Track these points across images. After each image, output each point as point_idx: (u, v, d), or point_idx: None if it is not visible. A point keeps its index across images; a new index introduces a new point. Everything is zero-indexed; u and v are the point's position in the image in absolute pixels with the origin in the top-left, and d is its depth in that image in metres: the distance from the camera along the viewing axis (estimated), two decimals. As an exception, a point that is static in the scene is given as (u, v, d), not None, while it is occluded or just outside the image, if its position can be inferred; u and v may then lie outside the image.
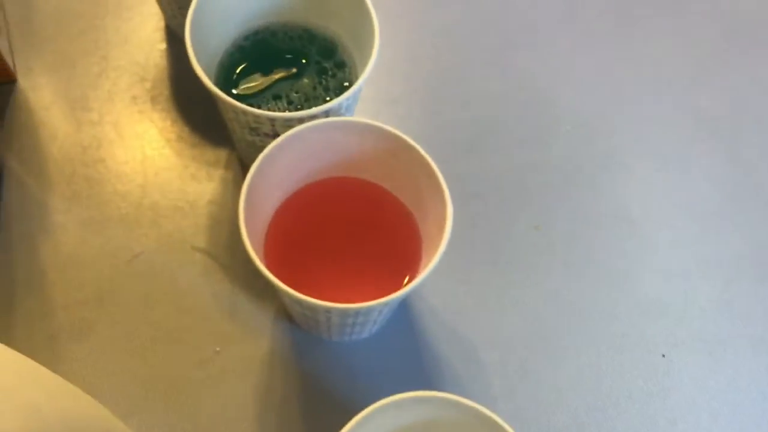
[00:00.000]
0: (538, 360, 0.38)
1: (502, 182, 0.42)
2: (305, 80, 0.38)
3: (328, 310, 0.30)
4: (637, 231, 0.41)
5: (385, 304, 0.30)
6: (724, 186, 0.43)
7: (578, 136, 0.44)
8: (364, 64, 0.35)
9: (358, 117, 0.34)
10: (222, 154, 0.42)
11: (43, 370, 0.21)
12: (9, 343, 0.23)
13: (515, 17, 0.47)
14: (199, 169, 0.41)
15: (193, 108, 0.43)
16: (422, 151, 0.33)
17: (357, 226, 0.36)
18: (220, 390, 0.36)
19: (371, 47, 0.35)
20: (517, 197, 0.42)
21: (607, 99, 0.45)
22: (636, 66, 0.46)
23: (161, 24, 0.45)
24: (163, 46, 0.44)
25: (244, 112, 0.33)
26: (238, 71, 0.38)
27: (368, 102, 0.43)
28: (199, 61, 0.34)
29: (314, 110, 0.34)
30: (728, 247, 0.41)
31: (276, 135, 0.34)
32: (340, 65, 0.39)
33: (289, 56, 0.39)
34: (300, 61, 0.39)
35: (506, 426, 0.28)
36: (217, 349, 0.37)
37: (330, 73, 0.38)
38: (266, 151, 0.33)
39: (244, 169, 0.41)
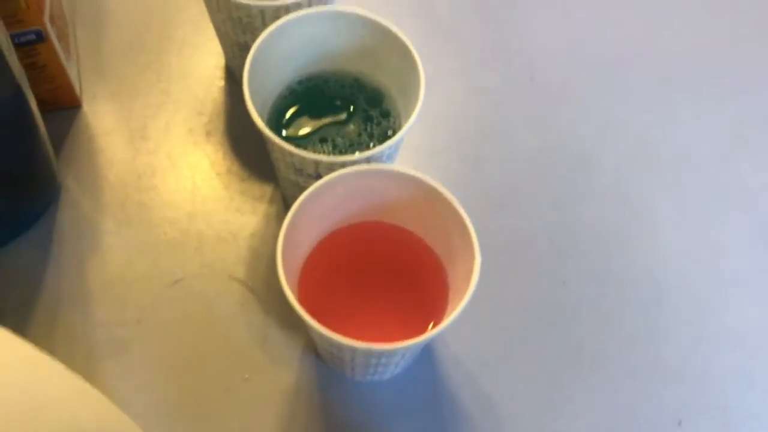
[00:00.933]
0: (555, 417, 0.38)
1: (534, 238, 0.43)
2: (351, 126, 0.40)
3: (353, 349, 0.32)
4: (663, 295, 0.42)
5: (408, 347, 0.31)
6: (754, 257, 0.43)
7: (612, 197, 0.45)
8: (408, 115, 0.37)
9: (399, 165, 0.35)
10: (267, 189, 0.44)
11: (86, 385, 0.23)
12: (50, 354, 0.24)
13: (558, 74, 0.48)
14: (245, 202, 0.43)
15: (244, 144, 0.45)
16: (457, 204, 0.34)
17: (388, 270, 0.37)
18: (245, 416, 0.38)
19: (416, 100, 0.37)
20: (546, 253, 0.43)
21: (645, 163, 0.46)
22: (678, 132, 0.47)
23: (221, 63, 0.47)
24: (222, 83, 0.47)
25: (291, 154, 0.35)
26: (289, 114, 0.40)
27: (410, 151, 0.44)
28: (253, 101, 0.36)
29: (357, 156, 0.35)
30: (753, 319, 0.41)
31: (319, 176, 0.36)
32: (386, 114, 0.40)
33: (338, 103, 0.41)
34: (348, 108, 0.41)
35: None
36: (246, 376, 0.39)
37: (375, 121, 0.40)
38: (308, 191, 0.34)
39: (287, 206, 0.43)
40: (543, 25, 0.50)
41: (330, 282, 0.37)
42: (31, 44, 0.40)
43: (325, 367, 0.39)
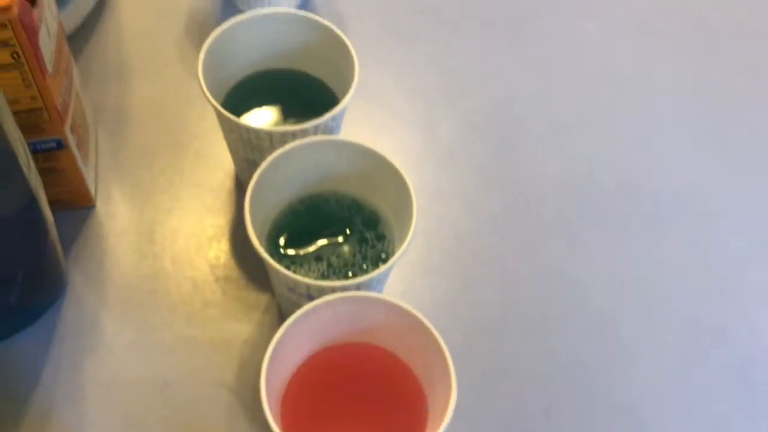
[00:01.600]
0: None
1: (516, 365, 0.44)
2: (347, 247, 0.42)
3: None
4: (644, 430, 0.42)
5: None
6: (734, 399, 0.44)
7: (598, 328, 0.46)
8: (402, 240, 0.39)
9: (387, 293, 0.37)
10: (263, 298, 0.45)
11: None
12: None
13: (553, 204, 0.50)
14: (241, 309, 0.45)
15: (246, 252, 0.47)
16: (438, 336, 0.35)
17: (370, 393, 0.38)
18: None
19: (409, 227, 0.39)
20: (529, 381, 0.44)
21: (633, 297, 0.47)
22: (664, 268, 0.48)
23: (232, 173, 0.50)
24: (230, 193, 0.49)
25: (285, 275, 0.37)
26: (288, 230, 0.42)
27: (403, 268, 0.46)
28: (256, 217, 0.39)
29: (348, 282, 0.37)
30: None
31: (311, 297, 0.37)
32: (381, 238, 0.42)
33: (336, 223, 0.43)
34: (345, 230, 0.43)
35: None
36: (226, 485, 0.40)
37: (370, 243, 0.42)
38: (296, 314, 0.36)
39: (282, 315, 0.44)
40: (542, 156, 0.52)
41: (313, 402, 0.38)
42: (51, 151, 0.42)
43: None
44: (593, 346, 0.45)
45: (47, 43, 0.39)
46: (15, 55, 0.37)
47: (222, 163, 0.50)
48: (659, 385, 0.44)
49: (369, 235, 0.42)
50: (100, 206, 0.48)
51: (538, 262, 0.48)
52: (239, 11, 0.54)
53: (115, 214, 0.48)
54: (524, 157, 0.52)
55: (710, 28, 0.60)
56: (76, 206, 0.47)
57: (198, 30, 0.55)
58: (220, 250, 0.47)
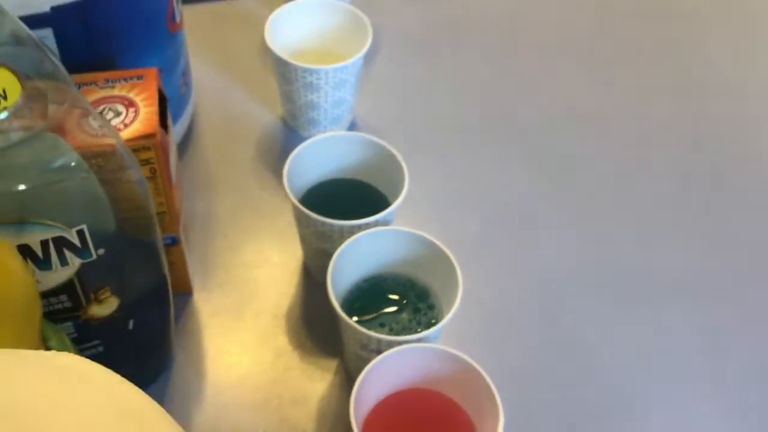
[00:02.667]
0: None
1: (544, 416, 0.53)
2: (404, 315, 0.52)
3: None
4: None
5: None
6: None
7: (605, 402, 0.55)
8: (450, 309, 0.49)
9: (442, 345, 0.47)
10: (333, 363, 0.55)
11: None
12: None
13: (563, 284, 0.60)
14: (315, 371, 0.55)
15: (316, 327, 0.57)
16: (486, 376, 0.45)
17: (429, 424, 0.48)
18: None
19: (455, 299, 0.49)
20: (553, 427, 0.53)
21: (640, 371, 0.57)
22: (674, 346, 0.58)
23: (300, 263, 0.60)
24: (299, 280, 0.59)
25: (360, 332, 0.47)
26: (357, 304, 0.53)
27: (449, 334, 0.56)
28: (333, 294, 0.49)
29: (410, 337, 0.47)
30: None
31: (380, 352, 0.47)
32: (431, 307, 0.53)
33: (394, 297, 0.53)
34: (402, 301, 0.53)
35: None
36: None
37: (422, 312, 0.52)
38: (372, 363, 0.46)
39: (350, 377, 0.54)
40: (555, 244, 0.63)
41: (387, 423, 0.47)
42: (168, 246, 0.53)
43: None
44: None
45: (173, 161, 0.51)
46: (152, 171, 0.49)
47: (293, 255, 0.61)
48: None
49: (421, 305, 0.53)
50: (196, 293, 0.58)
51: (556, 334, 0.58)
52: (301, 137, 0.66)
53: (208, 299, 0.58)
54: (539, 248, 0.63)
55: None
56: (177, 292, 0.57)
57: (268, 152, 0.67)
58: (295, 326, 0.57)
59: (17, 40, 0.37)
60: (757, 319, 0.59)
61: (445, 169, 0.67)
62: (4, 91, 0.36)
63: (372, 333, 0.47)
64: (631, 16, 0.81)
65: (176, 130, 0.64)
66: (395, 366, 0.47)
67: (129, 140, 0.47)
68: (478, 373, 0.46)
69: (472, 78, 0.74)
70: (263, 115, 0.70)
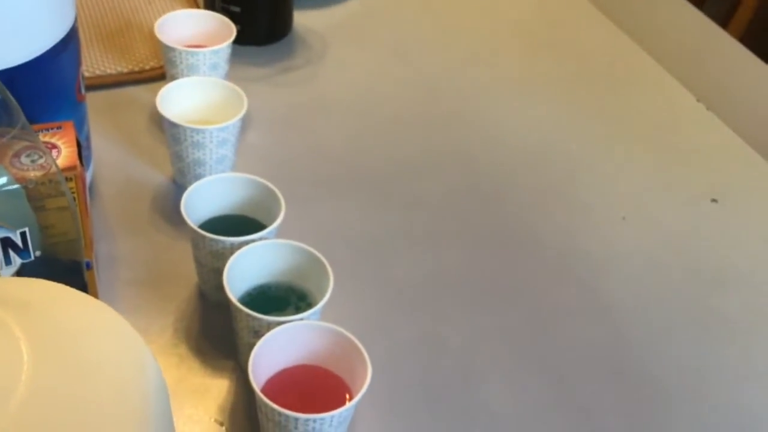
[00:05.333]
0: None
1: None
2: (287, 312, 0.64)
3: (296, 419, 0.53)
4: None
5: (333, 415, 0.53)
6: None
7: (454, 373, 0.68)
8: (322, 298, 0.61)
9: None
10: (230, 363, 0.65)
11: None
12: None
13: (415, 289, 0.74)
14: (214, 371, 0.64)
15: (214, 337, 0.67)
16: (358, 344, 0.57)
17: (316, 388, 0.59)
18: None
19: (328, 288, 0.61)
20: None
21: (474, 352, 0.70)
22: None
23: (197, 289, 0.71)
24: (196, 303, 0.70)
25: (253, 317, 0.58)
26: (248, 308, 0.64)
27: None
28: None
29: (293, 317, 0.59)
30: None
31: (269, 335, 0.58)
32: (309, 305, 0.64)
33: (278, 300, 0.65)
34: (285, 303, 0.65)
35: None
36: (220, 478, 0.57)
37: (303, 309, 0.64)
38: (263, 339, 0.57)
39: (244, 372, 0.64)
40: (405, 260, 0.77)
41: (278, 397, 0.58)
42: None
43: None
44: None
45: (87, 197, 0.62)
46: (73, 200, 0.59)
47: (190, 282, 0.71)
48: None
49: (302, 304, 0.65)
50: (105, 319, 0.67)
51: (413, 324, 0.71)
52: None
53: (116, 323, 0.67)
54: (392, 263, 0.77)
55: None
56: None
57: (161, 205, 0.78)
58: (196, 337, 0.67)
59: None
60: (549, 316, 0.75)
61: (312, 210, 0.81)
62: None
63: (262, 316, 0.58)
64: (452, 91, 1.00)
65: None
66: (282, 342, 0.58)
67: (53, 173, 0.57)
68: (350, 339, 0.58)
69: (329, 141, 0.89)
70: (155, 176, 0.81)
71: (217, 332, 0.67)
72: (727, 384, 0.70)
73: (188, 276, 0.71)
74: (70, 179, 0.58)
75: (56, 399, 0.30)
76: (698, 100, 1.00)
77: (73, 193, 0.59)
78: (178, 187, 0.80)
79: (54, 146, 0.59)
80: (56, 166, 0.55)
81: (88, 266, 0.63)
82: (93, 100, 0.84)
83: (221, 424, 0.61)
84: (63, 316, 0.35)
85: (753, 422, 0.67)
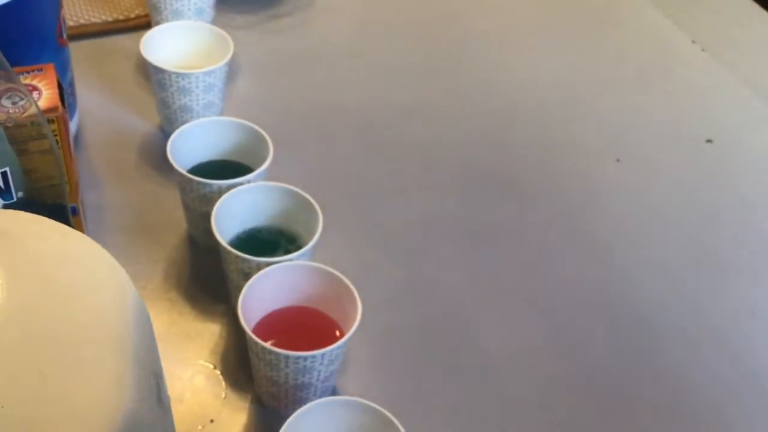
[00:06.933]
0: None
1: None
2: (278, 253, 0.63)
3: (286, 357, 0.52)
4: None
5: (323, 353, 0.52)
6: None
7: (444, 320, 0.68)
8: (311, 239, 0.61)
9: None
10: (221, 308, 0.65)
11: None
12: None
13: (408, 231, 0.73)
14: (205, 315, 0.64)
15: (204, 281, 0.67)
16: (348, 283, 0.57)
17: (307, 328, 0.58)
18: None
19: (317, 230, 0.61)
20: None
21: (470, 295, 0.70)
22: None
23: (186, 234, 0.70)
24: (186, 249, 0.69)
25: (243, 258, 0.58)
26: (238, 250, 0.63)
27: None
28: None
29: (283, 257, 0.58)
30: None
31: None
32: (299, 248, 0.64)
33: (269, 243, 0.64)
34: (275, 246, 0.64)
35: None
36: (211, 420, 0.57)
37: (292, 252, 0.63)
38: (253, 278, 0.56)
39: (235, 316, 0.64)
40: (397, 203, 0.76)
41: (269, 335, 0.57)
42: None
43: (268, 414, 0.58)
44: None
45: (71, 141, 0.61)
46: (56, 142, 0.58)
47: (180, 228, 0.71)
48: None
49: (291, 247, 0.64)
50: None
51: (401, 267, 0.70)
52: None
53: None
54: (383, 207, 0.76)
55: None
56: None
57: (149, 153, 0.77)
58: (186, 282, 0.66)
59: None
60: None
61: (302, 156, 0.80)
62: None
63: (251, 257, 0.58)
64: (444, 39, 0.98)
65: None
66: (272, 284, 0.58)
67: (35, 115, 0.56)
68: (340, 279, 0.57)
69: (319, 88, 0.88)
70: (142, 125, 0.80)
71: (207, 277, 0.67)
72: (718, 321, 0.69)
73: (178, 223, 0.71)
74: (52, 121, 0.57)
75: (32, 323, 0.30)
76: (693, 42, 0.99)
77: (55, 136, 0.58)
78: (166, 135, 0.79)
79: (35, 88, 0.58)
80: (37, 107, 0.54)
81: (74, 211, 0.63)
82: (78, 50, 0.82)
83: (214, 367, 0.61)
84: (40, 244, 0.34)
85: (743, 358, 0.67)
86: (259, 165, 0.67)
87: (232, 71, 0.80)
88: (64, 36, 0.70)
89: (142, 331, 0.33)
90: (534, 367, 0.64)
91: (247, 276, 0.59)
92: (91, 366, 0.29)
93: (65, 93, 0.69)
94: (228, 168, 0.70)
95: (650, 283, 0.72)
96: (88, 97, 0.81)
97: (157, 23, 0.82)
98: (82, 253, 0.35)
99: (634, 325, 0.68)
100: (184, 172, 0.64)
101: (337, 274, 0.58)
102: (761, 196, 0.81)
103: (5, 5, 0.61)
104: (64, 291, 0.31)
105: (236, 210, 0.63)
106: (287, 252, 0.63)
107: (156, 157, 0.77)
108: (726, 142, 0.87)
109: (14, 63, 0.63)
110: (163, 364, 0.45)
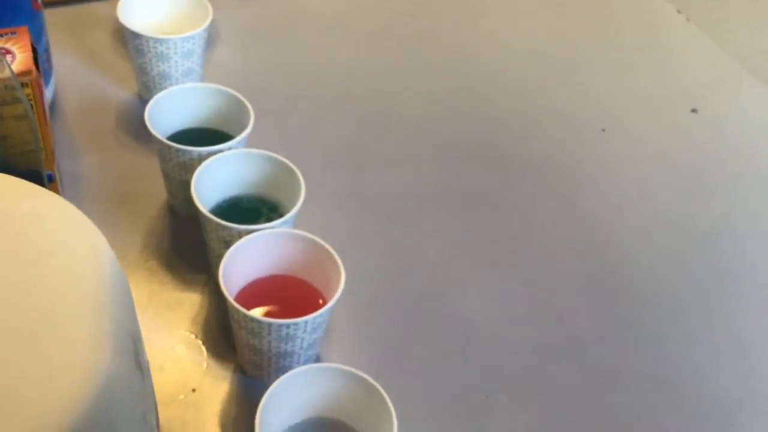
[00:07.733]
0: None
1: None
2: (260, 221, 0.62)
3: (269, 325, 0.51)
4: None
5: (306, 320, 0.52)
6: None
7: (428, 287, 0.67)
8: (292, 208, 0.60)
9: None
10: (201, 277, 0.64)
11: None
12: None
13: (393, 200, 0.73)
14: (186, 285, 0.63)
15: (184, 251, 0.65)
16: (332, 251, 0.56)
17: (289, 296, 0.58)
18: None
19: (299, 198, 0.60)
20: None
21: (454, 265, 0.69)
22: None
23: (165, 203, 0.69)
24: (166, 217, 0.68)
25: (224, 226, 0.57)
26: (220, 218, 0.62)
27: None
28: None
29: (264, 225, 0.57)
30: None
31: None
32: (281, 216, 0.63)
33: (250, 211, 0.63)
34: (257, 215, 0.63)
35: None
36: (193, 389, 0.56)
37: (274, 218, 0.62)
38: (234, 246, 0.55)
39: (216, 285, 0.63)
40: (382, 175, 0.75)
41: (251, 303, 0.56)
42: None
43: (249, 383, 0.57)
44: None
45: (46, 106, 0.59)
46: (30, 107, 0.57)
47: (159, 197, 0.69)
48: None
49: (273, 215, 0.63)
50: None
51: (388, 238, 0.70)
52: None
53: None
54: (367, 175, 0.75)
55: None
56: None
57: (127, 121, 0.76)
58: (166, 251, 0.65)
59: None
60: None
61: (283, 125, 0.79)
62: None
63: (232, 224, 0.57)
64: (429, 6, 0.97)
65: (42, 103, 0.72)
66: (253, 252, 0.57)
67: (8, 78, 0.55)
68: (322, 246, 0.56)
69: (301, 56, 0.87)
70: (120, 92, 0.78)
71: (188, 247, 0.66)
72: (701, 287, 0.69)
73: (157, 193, 0.69)
74: (26, 85, 0.56)
75: (3, 283, 0.29)
76: (679, 11, 0.98)
77: (30, 100, 0.56)
78: (144, 102, 0.77)
79: (8, 51, 0.57)
80: (11, 70, 0.53)
81: (51, 178, 0.61)
82: (54, 17, 0.81)
83: (195, 336, 0.60)
84: (13, 204, 0.33)
85: (726, 323, 0.67)
86: (239, 133, 0.66)
87: (211, 38, 0.79)
88: (39, 0, 0.68)
89: (118, 292, 0.32)
90: (517, 335, 0.64)
91: (228, 244, 0.58)
92: (65, 325, 0.28)
93: (40, 58, 0.67)
94: (208, 136, 0.68)
95: (634, 250, 0.72)
96: (64, 65, 0.80)
97: (135, -11, 0.80)
98: (56, 213, 0.34)
99: (617, 292, 0.68)
100: (163, 139, 0.62)
101: (320, 241, 0.57)
102: (745, 166, 0.81)
103: (-24, -33, 0.59)
104: (37, 251, 0.30)
105: (217, 178, 0.62)
106: (269, 220, 0.62)
107: (134, 125, 0.75)
108: (711, 112, 0.86)
109: (-13, 27, 0.62)
110: (144, 333, 0.44)
